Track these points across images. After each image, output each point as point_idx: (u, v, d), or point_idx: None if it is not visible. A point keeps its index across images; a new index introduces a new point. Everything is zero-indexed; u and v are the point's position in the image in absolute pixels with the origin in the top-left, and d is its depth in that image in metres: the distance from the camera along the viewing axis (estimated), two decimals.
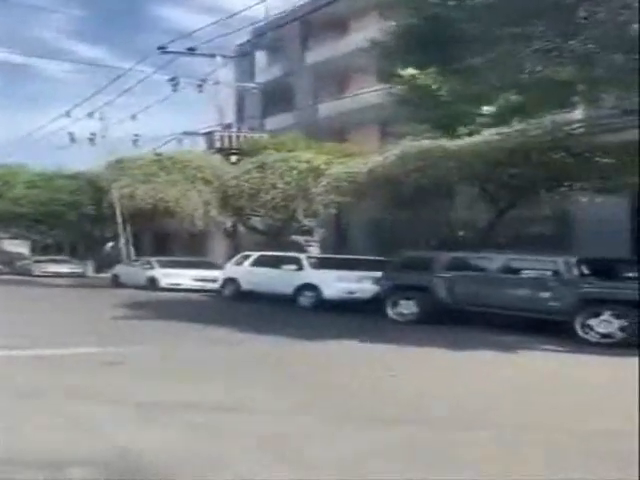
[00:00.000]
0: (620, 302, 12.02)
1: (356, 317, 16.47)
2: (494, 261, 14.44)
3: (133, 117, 31.64)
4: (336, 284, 18.37)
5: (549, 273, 13.20)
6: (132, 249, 32.47)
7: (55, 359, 9.58)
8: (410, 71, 17.71)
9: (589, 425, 6.31)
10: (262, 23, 30.48)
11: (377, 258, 19.72)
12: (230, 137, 30.99)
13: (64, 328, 13.32)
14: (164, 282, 25.18)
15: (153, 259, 28.06)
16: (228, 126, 32.26)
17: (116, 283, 28.26)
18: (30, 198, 35.82)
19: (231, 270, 22.34)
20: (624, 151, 15.12)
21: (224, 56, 31.76)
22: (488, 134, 17.82)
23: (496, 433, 5.93)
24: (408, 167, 17.38)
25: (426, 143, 18.09)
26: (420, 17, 13.28)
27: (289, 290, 19.25)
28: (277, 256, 20.93)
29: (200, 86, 29.73)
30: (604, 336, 11.98)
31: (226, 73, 33.21)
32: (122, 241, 32.67)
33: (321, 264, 19.87)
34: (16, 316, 15.30)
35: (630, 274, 13.12)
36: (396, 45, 14.46)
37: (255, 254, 22.10)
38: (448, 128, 19.35)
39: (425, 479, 4.79)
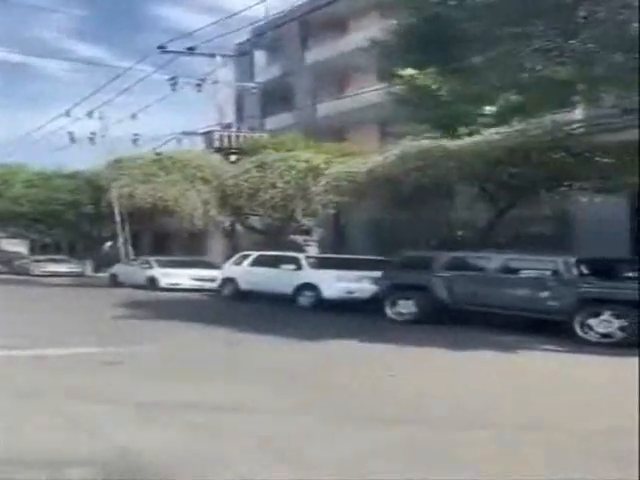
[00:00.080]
0: (620, 302, 12.01)
1: (355, 317, 16.46)
2: (493, 261, 14.43)
3: (133, 116, 31.60)
4: (335, 284, 18.36)
5: (548, 273, 13.19)
6: (131, 248, 32.43)
7: (55, 359, 9.57)
8: (410, 71, 17.69)
9: (589, 425, 6.30)
10: (262, 23, 30.42)
11: (376, 258, 19.71)
12: (229, 137, 30.97)
13: (63, 328, 13.31)
14: (163, 282, 25.16)
15: (152, 258, 28.04)
16: (227, 126, 32.24)
17: (114, 283, 28.24)
18: (29, 197, 35.81)
19: (230, 270, 22.33)
20: (624, 151, 15.11)
21: (224, 56, 31.75)
22: (488, 134, 17.81)
23: (496, 433, 5.93)
24: (408, 167, 17.36)
25: (426, 143, 18.08)
26: (420, 17, 13.28)
27: (288, 290, 19.24)
28: (276, 256, 20.91)
29: (199, 86, 29.71)
30: (604, 336, 11.97)
31: (226, 73, 33.23)
32: (121, 240, 32.64)
33: (320, 264, 19.86)
34: (15, 316, 15.30)
35: (630, 274, 13.10)
36: (396, 44, 14.46)
37: (254, 254, 22.09)
38: (448, 128, 19.34)
39: (425, 479, 4.78)
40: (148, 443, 5.38)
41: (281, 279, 19.53)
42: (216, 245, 32.85)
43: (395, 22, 14.85)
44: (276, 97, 36.12)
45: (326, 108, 33.49)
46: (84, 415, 6.33)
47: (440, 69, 15.03)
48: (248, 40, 34.35)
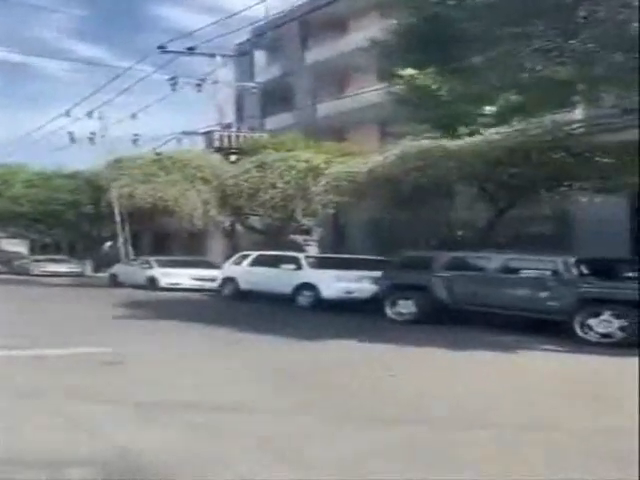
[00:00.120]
0: (620, 302, 12.01)
1: (355, 317, 16.46)
2: (493, 261, 14.42)
3: (132, 116, 31.62)
4: (335, 284, 18.36)
5: (548, 273, 13.18)
6: (131, 248, 32.43)
7: (54, 359, 9.56)
8: (410, 71, 17.69)
9: (589, 425, 6.30)
10: (262, 23, 30.44)
11: (376, 258, 19.72)
12: (229, 137, 30.97)
13: (63, 328, 13.30)
14: (163, 282, 25.16)
15: (152, 258, 28.04)
16: (227, 126, 32.24)
17: (114, 282, 28.23)
18: (29, 197, 35.83)
19: (230, 270, 22.33)
20: (624, 151, 15.10)
21: (224, 56, 31.75)
22: (488, 134, 17.81)
23: (496, 433, 5.92)
24: (408, 167, 17.35)
25: (426, 143, 18.07)
26: (420, 16, 13.27)
27: (288, 290, 19.24)
28: (276, 255, 20.91)
29: (199, 85, 29.71)
30: (604, 336, 11.96)
31: (226, 73, 33.23)
32: (121, 240, 32.63)
33: (320, 264, 19.86)
34: (15, 316, 15.31)
35: (630, 274, 13.10)
36: (396, 44, 14.45)
37: (254, 253, 22.09)
38: (448, 128, 19.34)
39: (425, 479, 4.78)
40: (147, 443, 5.38)
41: (281, 279, 19.53)
42: (216, 245, 32.85)
43: (395, 22, 14.83)
44: (276, 97, 36.12)
45: (326, 108, 33.49)
46: (83, 415, 6.32)
47: (440, 69, 15.03)
48: (248, 40, 34.35)
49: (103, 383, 7.88)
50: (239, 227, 29.36)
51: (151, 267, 26.58)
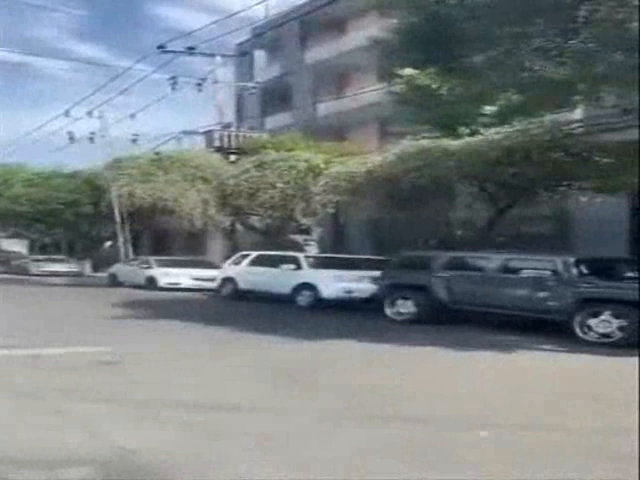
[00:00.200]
0: (619, 302, 11.98)
1: (354, 316, 16.46)
2: (493, 261, 14.39)
3: (132, 116, 31.62)
4: (334, 283, 18.34)
5: (548, 273, 13.15)
6: (130, 248, 32.42)
7: (54, 358, 9.53)
8: (410, 70, 17.68)
9: (589, 424, 6.27)
10: (261, 22, 30.48)
11: (375, 257, 19.71)
12: (229, 136, 30.99)
13: (62, 327, 13.27)
14: (162, 281, 25.13)
15: (151, 258, 28.01)
16: (227, 125, 32.25)
17: (113, 282, 28.20)
18: (28, 197, 35.82)
19: (229, 269, 22.31)
20: (624, 151, 15.09)
21: (223, 55, 31.77)
22: (488, 134, 17.80)
23: (495, 433, 5.89)
24: (407, 166, 17.36)
25: (425, 143, 18.09)
26: (420, 16, 13.24)
27: (287, 290, 19.22)
28: (275, 255, 20.90)
29: (199, 85, 29.70)
30: (603, 336, 11.93)
31: (225, 72, 33.25)
32: (120, 240, 32.62)
33: (319, 263, 19.85)
34: (14, 316, 15.30)
35: (629, 274, 13.09)
36: (397, 43, 14.42)
37: (253, 253, 22.06)
38: (448, 128, 19.33)
39: (425, 479, 4.75)
40: (146, 443, 5.35)
41: (280, 279, 19.51)
42: (215, 245, 32.84)
43: (395, 21, 14.80)
44: (276, 97, 36.14)
45: (326, 108, 33.51)
46: (82, 414, 6.30)
47: (440, 68, 14.99)
48: (248, 40, 34.38)
49: (102, 382, 7.85)
50: (239, 227, 29.35)
51: (150, 267, 26.55)
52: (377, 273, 16.82)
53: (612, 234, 18.42)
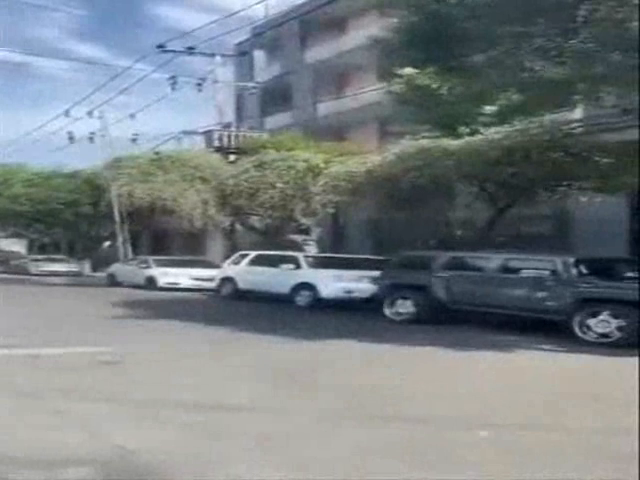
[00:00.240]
0: (618, 302, 11.98)
1: (353, 316, 16.46)
2: (492, 261, 14.39)
3: (132, 116, 31.63)
4: (333, 283, 18.34)
5: (547, 273, 13.15)
6: (129, 248, 32.41)
7: (53, 358, 9.53)
8: (410, 70, 17.67)
9: (588, 424, 6.27)
10: (261, 22, 30.47)
11: (375, 257, 19.70)
12: (229, 136, 30.97)
13: (62, 327, 13.27)
14: (162, 281, 25.12)
15: (151, 258, 28.00)
16: (227, 125, 32.23)
17: (113, 282, 28.18)
18: (28, 196, 35.82)
19: (228, 269, 22.31)
20: (624, 151, 15.09)
21: (223, 55, 31.76)
22: (488, 133, 17.80)
23: (495, 433, 5.89)
24: (407, 166, 17.36)
25: (425, 142, 18.09)
26: (421, 15, 13.24)
27: (286, 289, 19.21)
28: (274, 255, 20.89)
29: (199, 85, 29.70)
30: (602, 336, 11.93)
31: (225, 72, 33.22)
32: (120, 240, 32.61)
33: (319, 263, 19.84)
34: (14, 316, 15.29)
35: (629, 274, 13.09)
36: (397, 42, 14.42)
37: (252, 253, 22.06)
38: (448, 127, 19.32)
39: (425, 479, 4.75)
40: (146, 443, 5.35)
41: (279, 278, 19.51)
42: (215, 245, 32.83)
43: (395, 20, 14.80)
44: (276, 96, 36.12)
45: (325, 108, 33.51)
46: (81, 414, 6.29)
47: (440, 68, 14.99)
48: (248, 39, 34.36)
49: (102, 382, 7.85)
50: (238, 227, 29.34)
51: (150, 267, 26.54)
52: (377, 273, 16.81)
53: (612, 234, 18.43)
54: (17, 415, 6.25)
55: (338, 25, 33.77)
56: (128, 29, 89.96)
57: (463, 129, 19.26)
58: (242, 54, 35.19)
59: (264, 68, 38.11)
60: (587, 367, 10.10)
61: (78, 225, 38.43)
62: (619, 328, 11.78)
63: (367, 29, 23.80)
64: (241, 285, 21.22)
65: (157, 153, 29.74)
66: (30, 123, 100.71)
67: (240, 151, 29.09)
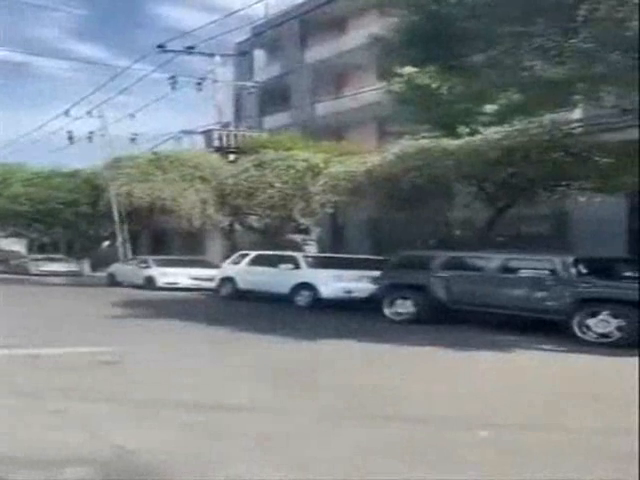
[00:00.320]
0: (618, 301, 11.98)
1: (353, 316, 16.45)
2: (491, 260, 14.38)
3: (132, 115, 31.64)
4: (333, 283, 18.33)
5: (547, 272, 13.15)
6: (129, 248, 32.40)
7: (53, 358, 9.53)
8: (409, 69, 17.67)
9: (588, 424, 6.27)
10: (261, 22, 30.50)
11: (374, 257, 19.70)
12: (228, 136, 30.95)
13: (62, 327, 13.27)
14: (161, 281, 25.12)
15: (150, 258, 28.00)
16: (226, 125, 32.22)
17: (112, 282, 28.17)
18: (28, 196, 35.81)
19: (228, 269, 22.30)
20: (623, 151, 15.08)
21: (223, 55, 31.75)
22: (487, 133, 17.79)
23: (495, 433, 5.89)
24: (406, 166, 17.34)
25: (425, 142, 18.07)
26: (421, 14, 13.23)
27: (286, 289, 19.20)
28: (274, 255, 20.88)
29: (199, 85, 29.71)
30: (602, 336, 11.93)
31: (225, 72, 33.23)
32: (119, 240, 32.60)
33: (318, 263, 19.83)
34: (13, 316, 15.28)
35: (628, 273, 13.08)
36: (397, 42, 14.41)
37: (252, 253, 22.05)
38: (448, 127, 19.31)
39: (425, 479, 4.75)
40: (145, 443, 5.35)
41: (279, 278, 19.50)
42: (214, 244, 32.82)
43: (395, 20, 14.79)
44: (275, 96, 36.13)
45: (325, 107, 33.50)
46: (83, 414, 6.29)
47: (440, 67, 14.98)
48: (247, 39, 34.37)
49: (102, 382, 7.85)
50: (237, 226, 29.32)
51: (149, 266, 26.54)
52: (376, 273, 16.81)
53: (611, 234, 18.43)
54: (17, 415, 6.25)
55: (338, 25, 33.78)
56: (128, 29, 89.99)
57: (463, 129, 19.24)
58: (242, 54, 35.21)
59: (263, 68, 38.14)
60: (587, 367, 10.10)
61: (77, 225, 38.41)
62: (619, 328, 11.77)
63: (367, 29, 23.78)
64: (241, 285, 21.22)
65: (156, 153, 29.74)
66: (30, 123, 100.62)
67: (239, 151, 29.07)
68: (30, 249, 47.83)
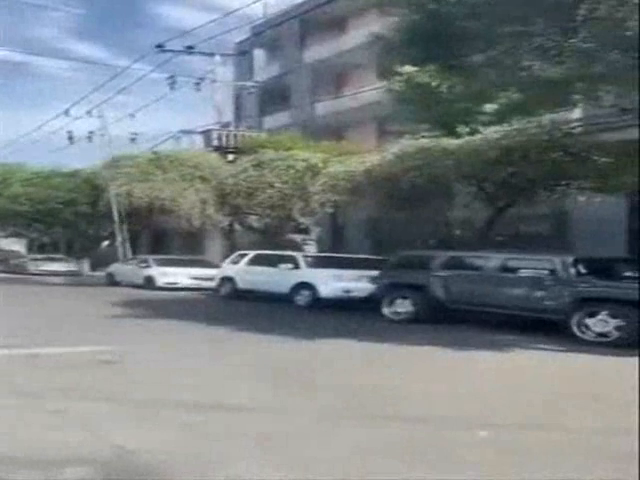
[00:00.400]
0: (617, 301, 11.99)
1: (352, 316, 16.45)
2: (491, 260, 14.39)
3: (131, 115, 31.64)
4: (332, 283, 18.34)
5: (546, 272, 13.16)
6: (128, 247, 32.39)
7: (53, 357, 9.52)
8: (409, 68, 17.65)
9: (588, 424, 6.27)
10: (261, 21, 30.50)
11: (374, 257, 19.70)
12: (228, 135, 30.97)
13: (61, 327, 13.27)
14: (161, 281, 25.12)
15: (150, 257, 27.99)
16: (226, 125, 32.23)
17: (112, 282, 28.17)
18: (27, 196, 35.81)
19: (227, 269, 22.31)
20: (623, 150, 15.07)
21: (222, 54, 31.76)
22: (487, 133, 17.78)
23: (495, 433, 5.89)
24: (406, 166, 17.34)
25: (424, 142, 18.06)
26: (421, 13, 13.24)
27: (285, 289, 19.21)
28: (273, 255, 20.89)
29: (198, 84, 29.72)
30: (600, 335, 11.94)
31: (224, 71, 33.24)
32: (119, 239, 32.60)
33: (317, 263, 19.83)
34: (13, 315, 15.28)
35: (627, 273, 13.09)
36: (397, 41, 14.42)
37: (251, 253, 22.06)
38: (448, 126, 19.30)
39: (425, 479, 4.75)
40: (145, 443, 5.35)
41: (278, 278, 19.51)
42: (214, 244, 32.82)
43: (396, 19, 14.79)
44: (275, 96, 36.11)
45: (324, 107, 33.49)
46: (83, 414, 6.29)
47: (440, 66, 14.98)
48: (247, 39, 34.37)
49: (101, 382, 7.85)
50: (237, 226, 29.32)
51: (149, 266, 26.53)
52: (376, 272, 16.80)
53: (611, 234, 18.43)
54: (17, 415, 6.25)
55: (338, 24, 33.75)
56: (127, 28, 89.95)
57: (462, 128, 19.23)
58: (241, 53, 35.21)
59: (263, 67, 38.11)
60: (586, 367, 10.10)
61: (77, 224, 38.41)
62: (617, 328, 11.78)
63: (367, 28, 23.77)
64: (240, 285, 21.22)
65: (156, 153, 29.74)
66: (30, 123, 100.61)
67: (239, 150, 29.08)
68: (30, 249, 47.83)
